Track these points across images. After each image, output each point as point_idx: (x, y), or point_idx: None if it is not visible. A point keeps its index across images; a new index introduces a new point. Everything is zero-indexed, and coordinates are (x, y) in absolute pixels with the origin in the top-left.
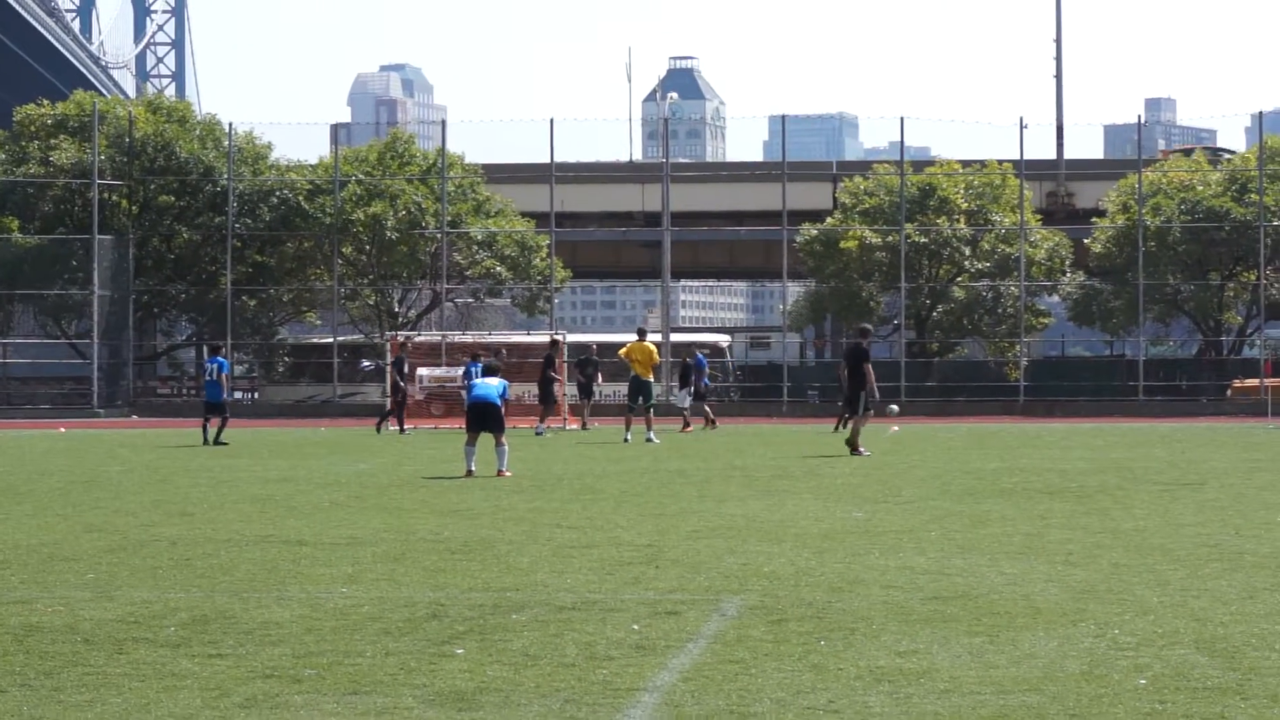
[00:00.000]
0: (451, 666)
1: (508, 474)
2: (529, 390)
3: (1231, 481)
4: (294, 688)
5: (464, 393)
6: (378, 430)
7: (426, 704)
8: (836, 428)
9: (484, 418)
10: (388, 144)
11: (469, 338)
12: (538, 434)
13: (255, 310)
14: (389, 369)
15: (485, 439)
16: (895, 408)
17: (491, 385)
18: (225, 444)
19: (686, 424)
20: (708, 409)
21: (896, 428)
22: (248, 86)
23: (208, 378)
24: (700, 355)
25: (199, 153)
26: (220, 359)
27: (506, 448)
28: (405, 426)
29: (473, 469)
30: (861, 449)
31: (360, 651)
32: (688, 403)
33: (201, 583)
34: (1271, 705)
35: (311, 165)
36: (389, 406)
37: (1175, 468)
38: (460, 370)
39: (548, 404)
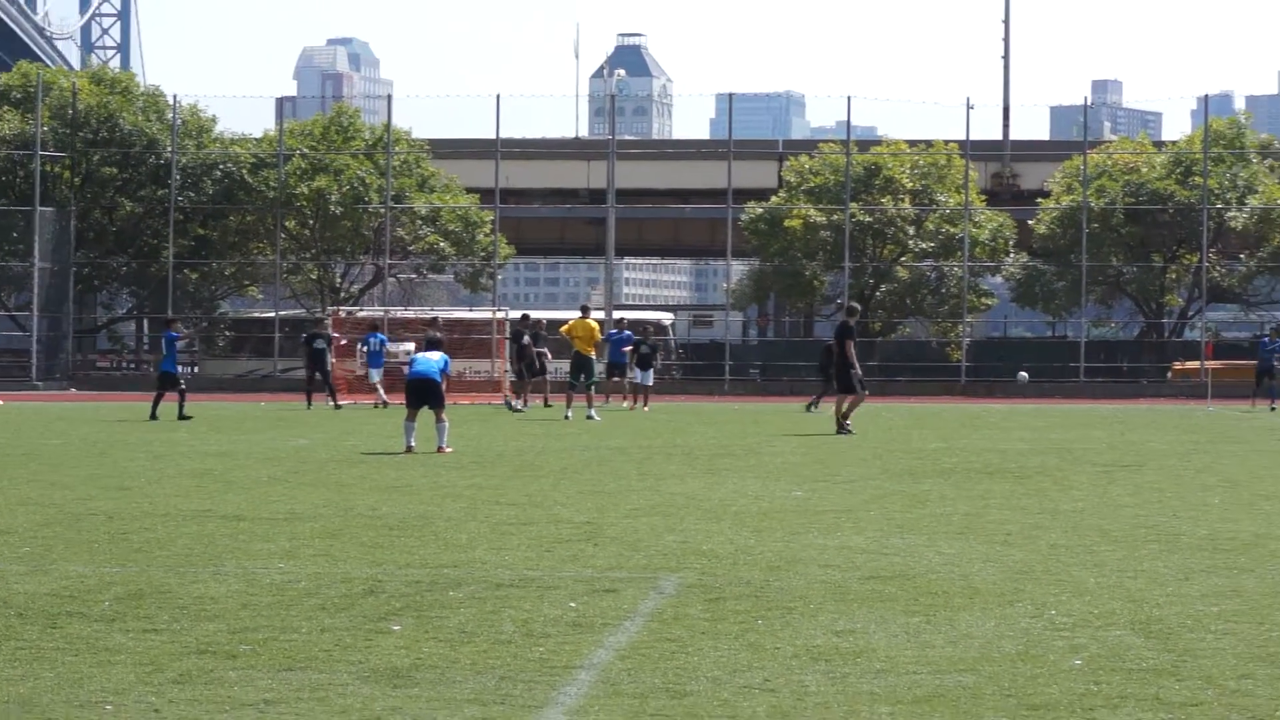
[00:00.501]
0: (387, 643)
1: (448, 450)
2: (470, 366)
3: (1170, 463)
4: (229, 663)
5: (365, 363)
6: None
7: (362, 680)
8: (809, 407)
9: (423, 394)
10: (332, 118)
11: (411, 313)
12: (515, 410)
13: (197, 284)
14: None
15: (426, 416)
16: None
17: (432, 360)
18: (189, 417)
19: (645, 401)
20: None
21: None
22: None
23: (163, 351)
24: (627, 332)
25: (142, 125)
26: (174, 332)
27: (447, 424)
28: (340, 401)
29: (412, 445)
30: (849, 426)
31: (296, 627)
32: (650, 380)
33: (137, 557)
34: (1206, 686)
35: (256, 139)
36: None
37: (1114, 449)
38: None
39: (523, 378)
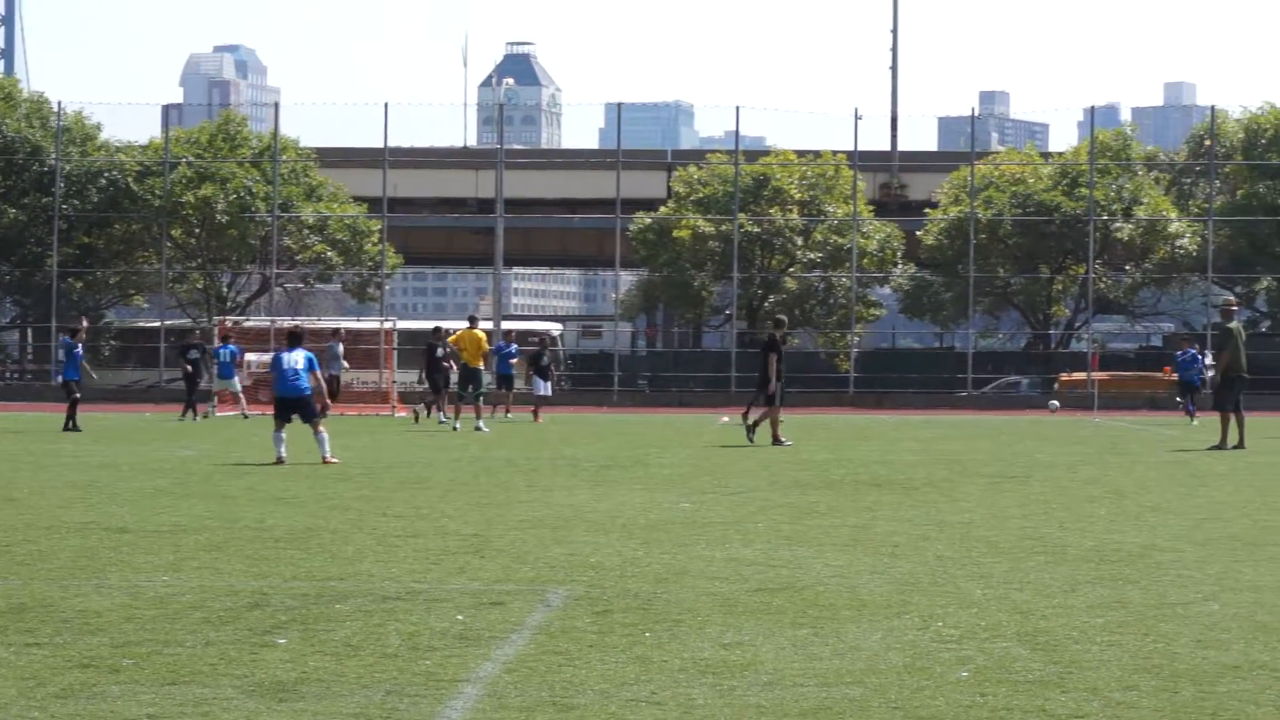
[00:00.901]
0: (273, 656)
1: (334, 461)
2: (358, 377)
3: (1056, 475)
4: (112, 678)
5: (216, 372)
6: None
7: (247, 694)
8: (744, 417)
9: (292, 409)
10: (219, 125)
11: (298, 323)
12: (446, 423)
13: (82, 293)
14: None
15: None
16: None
17: (298, 367)
18: (78, 429)
19: (537, 414)
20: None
21: (726, 418)
22: (78, 66)
23: (63, 359)
24: (514, 345)
25: (26, 132)
26: (71, 340)
27: (326, 435)
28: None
29: (283, 456)
30: (784, 439)
31: (180, 641)
32: (546, 390)
33: (20, 570)
34: (1091, 698)
35: (142, 146)
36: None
37: (1001, 460)
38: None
39: (439, 392)
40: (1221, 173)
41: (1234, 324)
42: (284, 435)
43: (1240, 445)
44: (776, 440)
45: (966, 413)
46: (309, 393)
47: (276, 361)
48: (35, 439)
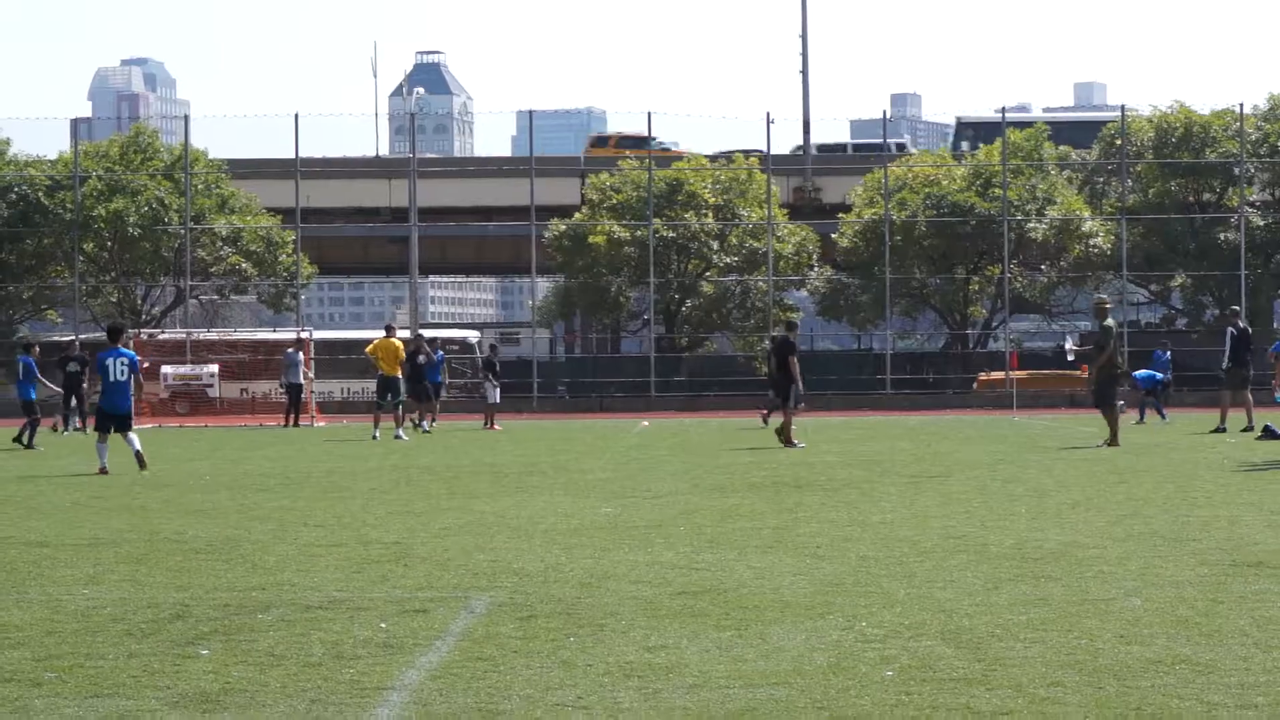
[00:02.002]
0: (196, 668)
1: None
2: (274, 388)
3: (977, 474)
4: (34, 691)
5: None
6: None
7: (170, 706)
8: (765, 420)
9: (114, 421)
10: (130, 138)
11: (214, 335)
12: (425, 431)
13: None
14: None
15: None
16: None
17: (122, 378)
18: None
19: (491, 421)
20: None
21: (646, 423)
22: None
23: (20, 377)
24: (440, 351)
25: None
26: (28, 356)
27: (135, 437)
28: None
29: (106, 466)
30: (796, 441)
31: (102, 654)
32: (497, 397)
33: None
34: (1016, 695)
35: (51, 160)
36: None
37: (922, 461)
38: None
39: (422, 400)
40: (1133, 172)
41: (1110, 322)
42: (107, 446)
43: (1115, 442)
44: (789, 442)
45: (886, 413)
46: (130, 407)
47: (101, 368)
48: None
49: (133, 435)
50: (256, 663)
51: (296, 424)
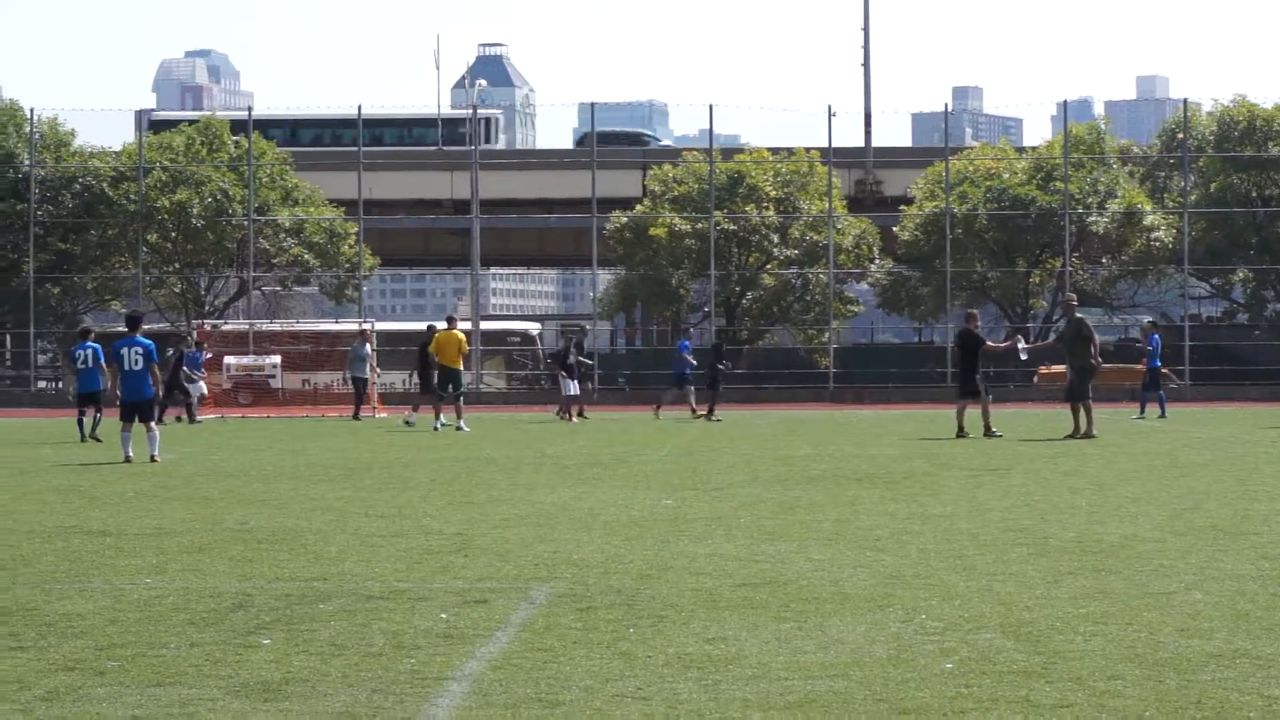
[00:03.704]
0: (257, 657)
1: (160, 460)
2: (337, 379)
3: (1037, 467)
4: (97, 680)
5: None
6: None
7: (232, 695)
8: (959, 416)
9: (135, 410)
10: (200, 129)
11: (277, 326)
12: (409, 424)
13: (59, 298)
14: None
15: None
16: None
17: (138, 369)
18: (100, 439)
19: (568, 412)
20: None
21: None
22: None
23: (80, 365)
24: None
25: (0, 139)
26: (93, 343)
27: (158, 433)
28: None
29: (130, 455)
30: (995, 430)
31: (165, 643)
32: (573, 389)
33: (2, 575)
34: (1076, 688)
35: (116, 152)
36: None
37: (982, 454)
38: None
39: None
40: (1195, 165)
41: (1080, 315)
42: (130, 435)
43: (1090, 434)
44: (990, 432)
45: (947, 407)
46: (151, 395)
47: (117, 357)
48: (14, 446)
49: (155, 432)
50: (318, 652)
51: (357, 416)
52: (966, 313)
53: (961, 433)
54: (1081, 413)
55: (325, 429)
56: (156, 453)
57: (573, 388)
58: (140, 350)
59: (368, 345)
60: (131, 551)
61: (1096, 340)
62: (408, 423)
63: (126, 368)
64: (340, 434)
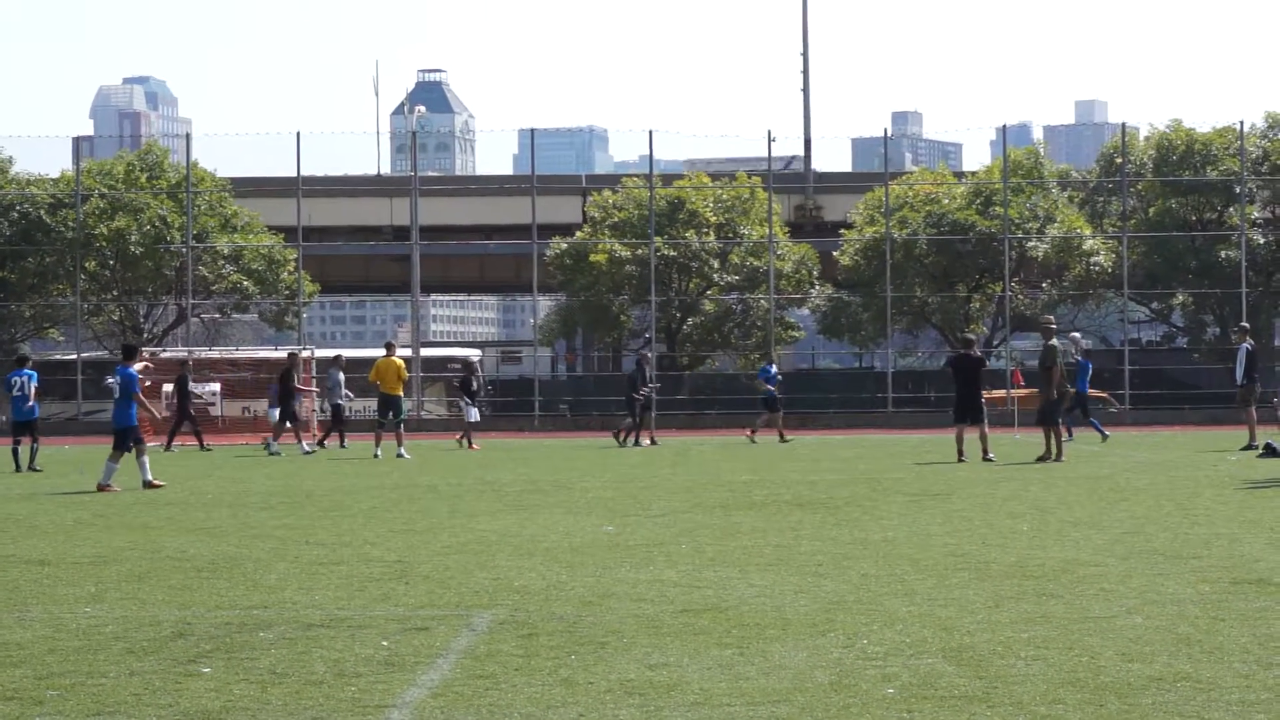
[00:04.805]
0: (198, 685)
1: (159, 484)
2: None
3: (977, 491)
4: (36, 709)
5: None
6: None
7: None
8: (959, 440)
9: (119, 436)
10: (140, 155)
11: (216, 353)
12: (271, 452)
13: None
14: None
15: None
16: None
17: (119, 398)
18: (39, 469)
19: (469, 440)
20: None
21: (648, 441)
22: None
23: (15, 392)
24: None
25: None
26: (29, 370)
27: (146, 462)
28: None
29: (107, 483)
30: (991, 455)
31: (104, 672)
32: (475, 416)
33: None
34: (1017, 712)
35: (53, 179)
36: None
37: (923, 479)
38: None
39: (287, 420)
40: (1134, 189)
41: (1054, 342)
42: (117, 465)
43: (1059, 458)
44: (987, 456)
45: (887, 432)
46: (123, 424)
47: (107, 386)
48: None
49: (145, 459)
50: (258, 680)
51: (342, 443)
52: (965, 337)
53: (962, 457)
54: (1052, 437)
55: (265, 457)
56: (148, 478)
57: (473, 414)
58: (118, 380)
59: (341, 372)
60: (70, 580)
61: (1060, 367)
62: (272, 452)
63: (115, 395)
64: (280, 462)
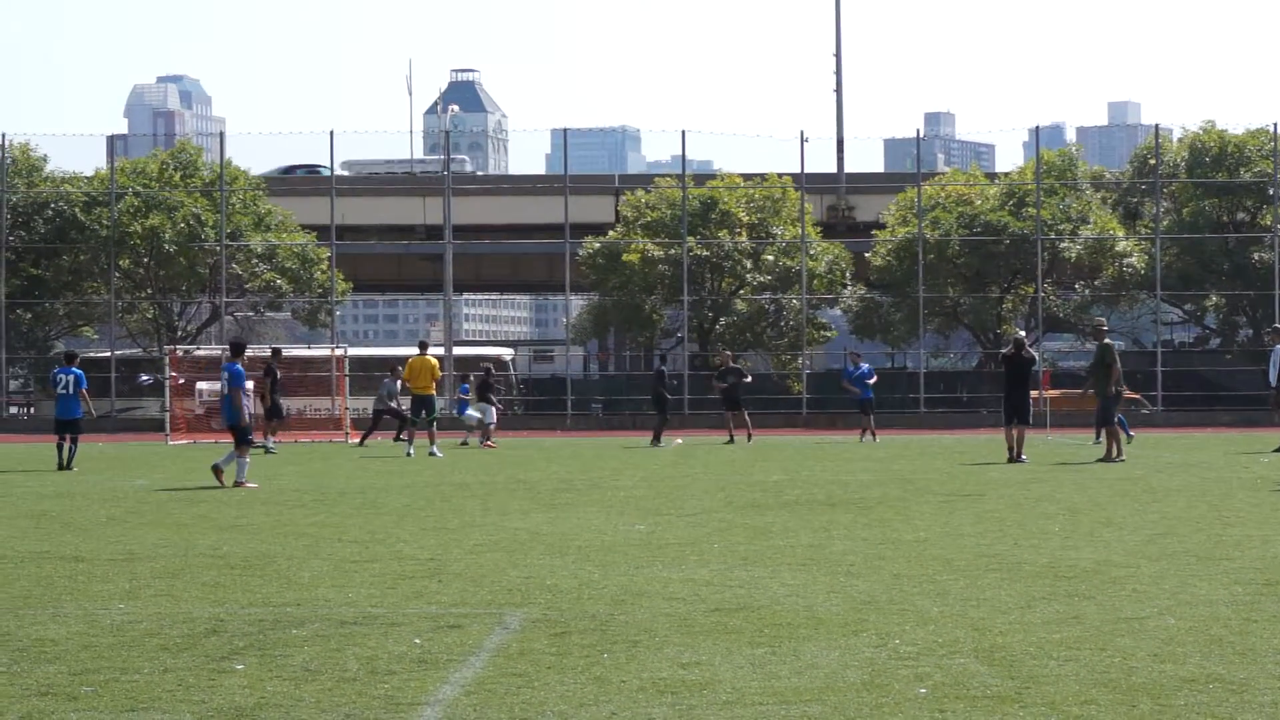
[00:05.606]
0: (231, 683)
1: (251, 485)
2: (310, 404)
3: (1010, 492)
4: (70, 705)
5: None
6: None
7: None
8: (1009, 439)
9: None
10: (174, 153)
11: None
12: (269, 451)
13: (30, 324)
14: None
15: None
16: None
17: (226, 395)
18: (74, 469)
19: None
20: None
21: (680, 440)
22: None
23: (60, 390)
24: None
25: None
26: (76, 369)
27: (245, 463)
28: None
29: (242, 480)
30: (1023, 456)
31: (138, 668)
32: (492, 416)
33: None
34: (1049, 713)
35: (88, 177)
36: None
37: (955, 479)
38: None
39: (277, 418)
40: (1167, 191)
41: (1109, 341)
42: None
43: (1120, 457)
44: (1019, 457)
45: (920, 432)
46: (233, 422)
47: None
48: None
49: (244, 460)
50: (291, 678)
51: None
52: (1016, 337)
53: (1013, 457)
54: (1108, 437)
55: (298, 454)
56: (242, 478)
57: (492, 414)
58: (225, 375)
59: (398, 382)
60: (104, 577)
61: (1118, 368)
62: (269, 450)
63: (223, 392)
64: (312, 460)
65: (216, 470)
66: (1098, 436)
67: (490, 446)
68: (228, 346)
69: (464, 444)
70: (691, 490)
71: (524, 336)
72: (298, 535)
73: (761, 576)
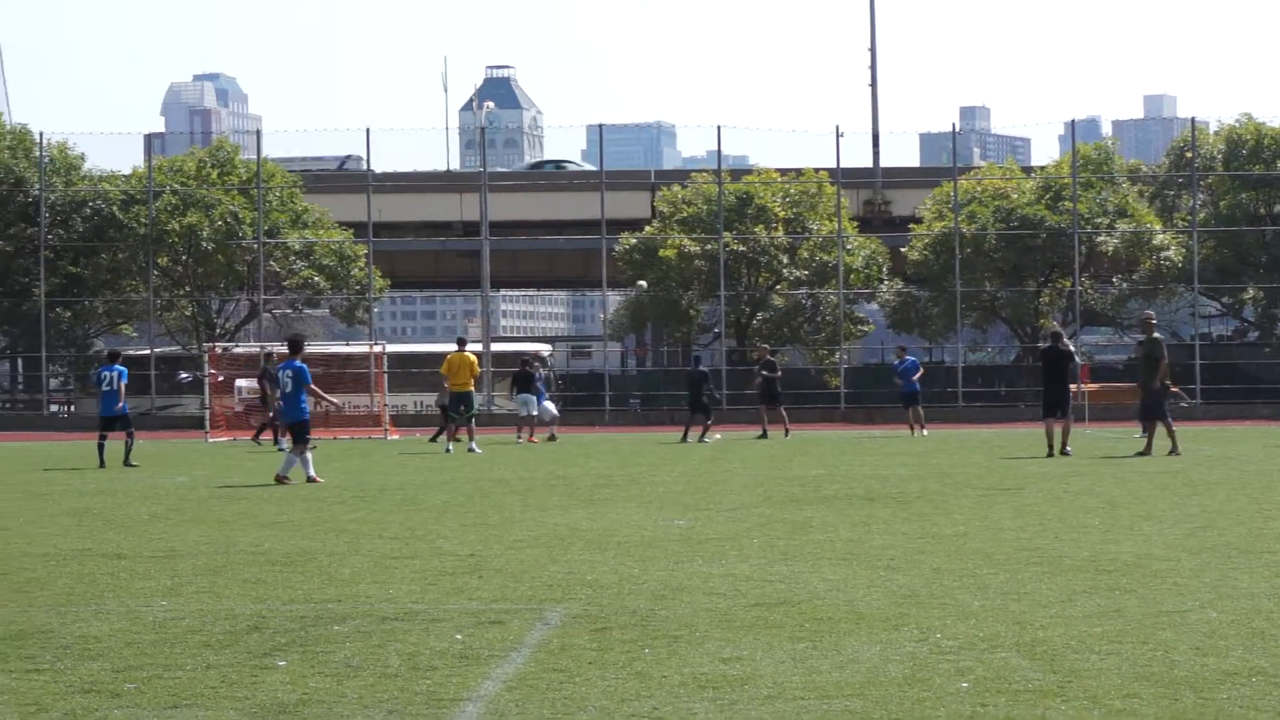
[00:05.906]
0: (273, 679)
1: (319, 480)
2: (349, 400)
3: (1049, 486)
4: (113, 702)
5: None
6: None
7: (248, 716)
8: (1052, 434)
9: (290, 432)
10: (211, 152)
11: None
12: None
13: (70, 322)
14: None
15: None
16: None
17: (288, 392)
18: (136, 465)
19: (531, 434)
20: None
21: (718, 435)
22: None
23: (106, 388)
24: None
25: (9, 163)
26: (119, 366)
27: (310, 458)
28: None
29: (313, 476)
30: (1069, 449)
31: (180, 665)
32: (533, 410)
33: (18, 598)
34: (1091, 707)
35: (125, 175)
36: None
37: (994, 473)
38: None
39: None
40: (1204, 184)
41: (1158, 335)
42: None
43: (1175, 451)
44: (1065, 450)
45: (958, 426)
46: (293, 419)
47: (278, 382)
48: (28, 468)
49: (307, 455)
50: (333, 674)
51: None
52: (1054, 330)
53: (1055, 450)
54: (1162, 429)
55: (337, 451)
56: (312, 473)
57: (550, 409)
58: (290, 373)
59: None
60: (146, 574)
61: (1165, 362)
62: (281, 448)
63: (284, 390)
64: (352, 456)
65: (281, 480)
66: (1143, 430)
67: (532, 442)
68: (286, 343)
69: (552, 438)
70: (730, 485)
71: (561, 332)
72: (338, 532)
73: (801, 571)
